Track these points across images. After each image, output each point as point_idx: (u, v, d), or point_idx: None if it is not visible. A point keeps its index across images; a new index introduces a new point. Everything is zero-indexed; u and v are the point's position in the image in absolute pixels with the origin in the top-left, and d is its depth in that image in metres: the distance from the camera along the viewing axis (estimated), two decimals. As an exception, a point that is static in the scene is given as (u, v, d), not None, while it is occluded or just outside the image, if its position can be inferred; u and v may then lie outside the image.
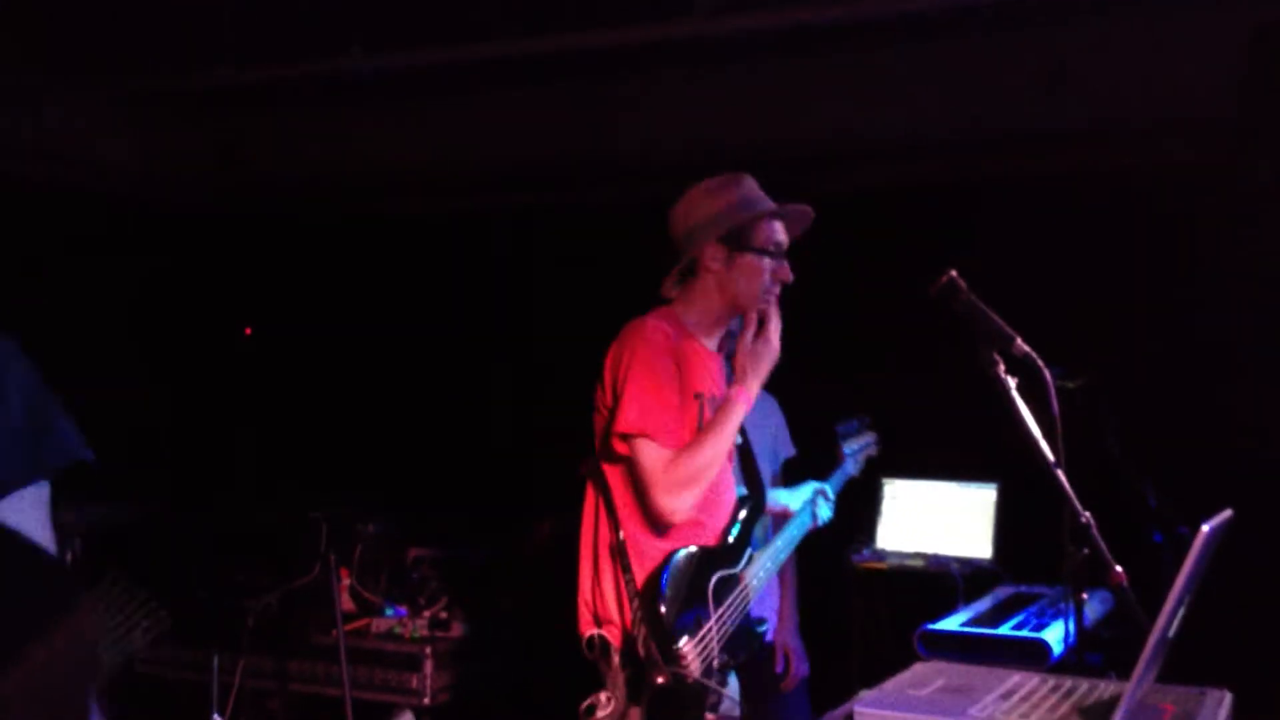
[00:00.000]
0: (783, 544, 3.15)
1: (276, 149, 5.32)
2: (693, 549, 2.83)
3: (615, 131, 4.91)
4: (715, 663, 2.78)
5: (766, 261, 2.93)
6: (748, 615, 2.92)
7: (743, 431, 3.00)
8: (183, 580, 4.77)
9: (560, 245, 5.25)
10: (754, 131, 4.70)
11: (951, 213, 4.63)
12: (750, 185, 3.01)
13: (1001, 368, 2.57)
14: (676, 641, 2.71)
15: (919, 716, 1.86)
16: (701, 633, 2.76)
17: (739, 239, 2.92)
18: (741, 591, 2.89)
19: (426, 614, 4.44)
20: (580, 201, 5.29)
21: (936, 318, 2.66)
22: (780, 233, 2.97)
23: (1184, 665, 2.07)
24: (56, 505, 3.63)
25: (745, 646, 2.90)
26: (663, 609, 2.73)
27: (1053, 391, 2.52)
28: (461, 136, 5.15)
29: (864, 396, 3.93)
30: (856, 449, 3.62)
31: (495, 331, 5.41)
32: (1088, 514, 2.42)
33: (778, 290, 2.96)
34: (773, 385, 3.03)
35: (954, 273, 2.62)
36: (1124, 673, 1.85)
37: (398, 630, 4.39)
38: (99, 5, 4.31)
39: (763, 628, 3.03)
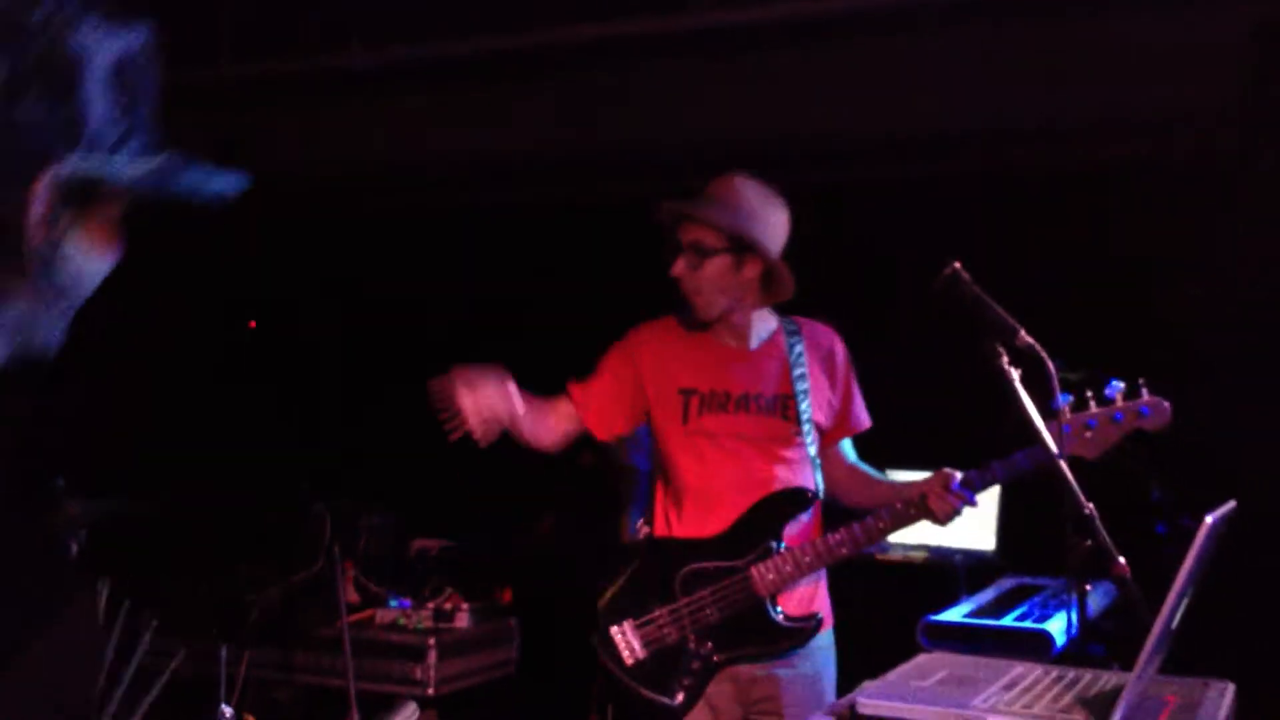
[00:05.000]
0: (845, 538, 2.88)
1: (277, 143, 5.31)
2: (658, 539, 3.01)
3: (604, 125, 4.89)
4: (688, 651, 2.87)
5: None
6: (755, 609, 2.89)
7: (798, 419, 3.05)
8: (188, 572, 4.78)
9: (569, 239, 5.24)
10: (756, 125, 4.69)
11: (950, 205, 4.63)
12: (711, 185, 3.01)
13: (1005, 359, 2.57)
14: (608, 626, 2.93)
15: (922, 707, 1.87)
16: (644, 620, 2.91)
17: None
18: (738, 584, 2.89)
19: (430, 605, 4.44)
20: (585, 196, 5.28)
21: (938, 308, 2.66)
22: (676, 232, 2.98)
23: (1188, 657, 2.07)
24: (63, 499, 3.64)
25: (751, 640, 2.90)
26: (606, 595, 2.96)
27: (1055, 383, 2.52)
28: (462, 129, 5.14)
29: (864, 386, 3.92)
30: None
31: (502, 325, 5.41)
32: (1091, 505, 2.42)
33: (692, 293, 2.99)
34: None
35: (958, 264, 2.63)
36: (1127, 664, 1.85)
37: (401, 621, 4.40)
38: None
39: (795, 621, 2.91)
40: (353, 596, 4.50)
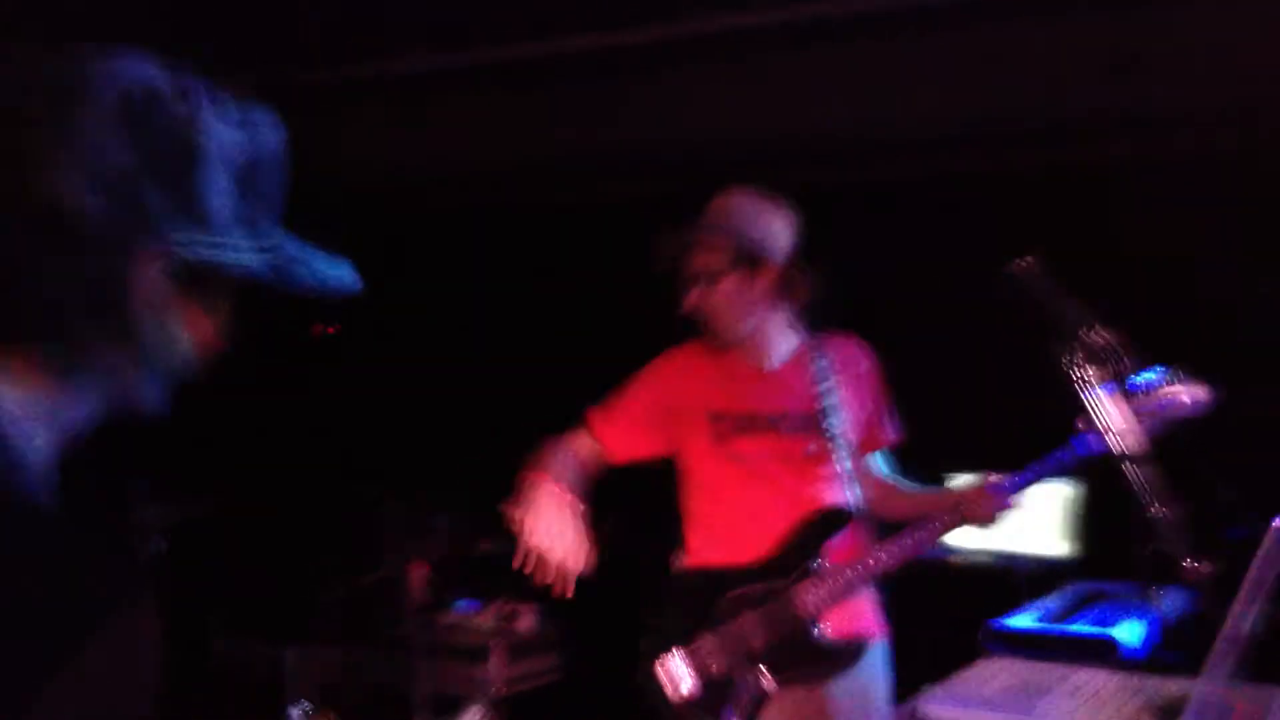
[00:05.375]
0: (888, 552, 2.86)
1: (352, 146, 5.37)
2: (697, 567, 2.99)
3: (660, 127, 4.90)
4: (736, 679, 2.83)
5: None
6: (800, 631, 2.85)
7: (828, 436, 3.00)
8: (259, 572, 4.86)
9: (619, 240, 5.23)
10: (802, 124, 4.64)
11: (1025, 199, 4.57)
12: (710, 210, 3.00)
13: (1078, 356, 2.54)
14: (654, 659, 2.89)
15: (985, 714, 1.85)
16: (689, 650, 2.86)
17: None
18: (781, 606, 2.85)
19: (495, 607, 4.47)
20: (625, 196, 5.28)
21: (1002, 304, 2.63)
22: (682, 264, 2.98)
23: (1266, 665, 2.03)
24: (140, 503, 3.70)
25: (799, 663, 2.86)
26: (649, 628, 2.94)
27: (1130, 377, 2.48)
28: (534, 129, 5.16)
29: (927, 387, 3.88)
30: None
31: (570, 328, 5.42)
32: (1164, 508, 2.38)
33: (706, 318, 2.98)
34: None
35: (1032, 258, 2.59)
36: (1197, 670, 1.82)
37: (467, 623, 4.44)
38: (179, 7, 4.38)
39: (841, 643, 2.88)
40: (419, 597, 4.54)
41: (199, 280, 1.11)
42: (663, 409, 3.01)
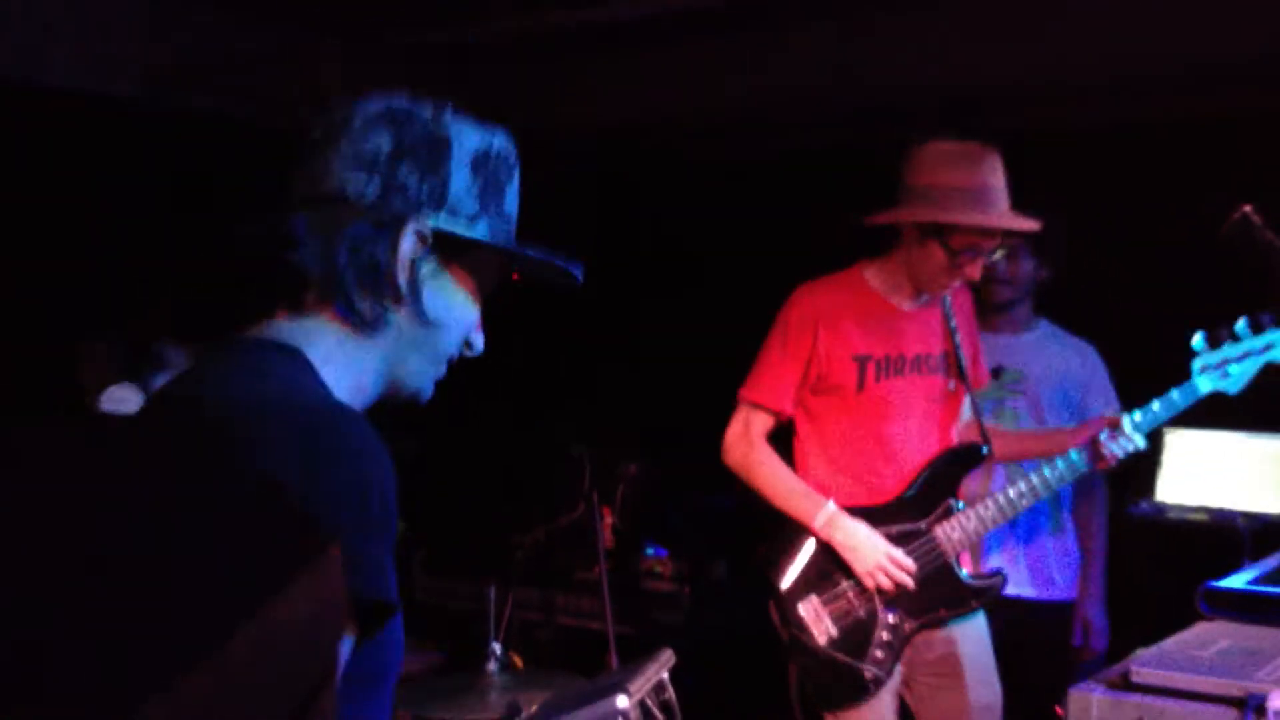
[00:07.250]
0: (1026, 489, 2.89)
1: (543, 96, 5.42)
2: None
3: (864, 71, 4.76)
4: (879, 622, 2.84)
5: (956, 260, 2.82)
6: (943, 571, 2.86)
7: (962, 375, 2.98)
8: (458, 513, 5.01)
9: (834, 187, 5.14)
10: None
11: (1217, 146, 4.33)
12: (986, 173, 2.81)
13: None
14: (795, 605, 2.87)
15: (1202, 678, 1.76)
16: (831, 595, 2.85)
17: (939, 231, 2.79)
18: (924, 547, 2.85)
19: (685, 555, 4.50)
20: (850, 143, 5.17)
21: (1220, 256, 2.51)
22: (986, 239, 2.82)
23: None
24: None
25: (942, 603, 2.87)
26: (775, 571, 2.93)
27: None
28: (727, 76, 5.10)
29: (1139, 339, 3.71)
30: (1220, 360, 2.90)
31: (776, 275, 5.36)
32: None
33: (959, 285, 2.92)
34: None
35: (1248, 208, 2.46)
36: None
37: (658, 569, 4.48)
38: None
39: (983, 579, 2.93)
40: (610, 543, 4.61)
41: (447, 250, 1.29)
42: (812, 354, 2.97)
